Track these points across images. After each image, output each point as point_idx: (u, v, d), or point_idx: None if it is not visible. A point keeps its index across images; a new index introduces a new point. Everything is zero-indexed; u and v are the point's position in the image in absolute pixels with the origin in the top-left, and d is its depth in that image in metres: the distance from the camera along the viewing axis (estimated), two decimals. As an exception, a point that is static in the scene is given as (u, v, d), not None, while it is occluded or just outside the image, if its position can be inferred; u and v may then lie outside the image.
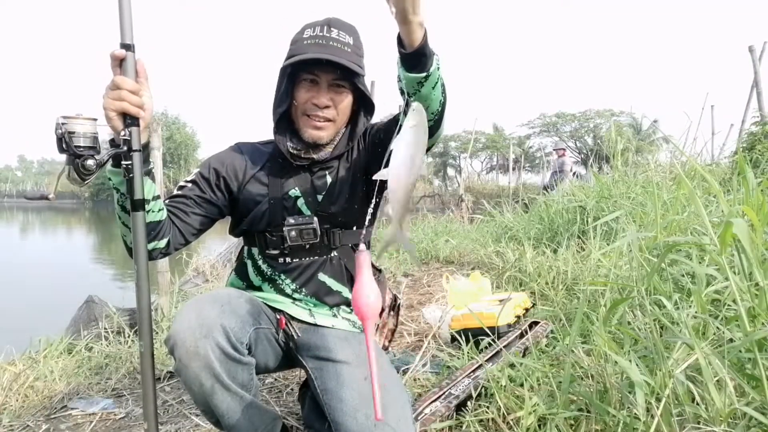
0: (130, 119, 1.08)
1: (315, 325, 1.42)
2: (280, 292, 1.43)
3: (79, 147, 1.04)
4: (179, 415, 1.91)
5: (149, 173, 1.16)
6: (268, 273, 1.42)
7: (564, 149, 10.06)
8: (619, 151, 4.24)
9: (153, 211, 1.19)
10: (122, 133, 1.07)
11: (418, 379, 1.91)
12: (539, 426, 1.31)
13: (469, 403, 1.54)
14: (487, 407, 1.46)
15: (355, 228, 1.43)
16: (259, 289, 1.46)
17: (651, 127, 20.87)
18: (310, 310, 1.43)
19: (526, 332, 2.05)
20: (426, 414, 1.46)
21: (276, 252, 1.40)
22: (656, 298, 1.45)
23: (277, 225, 1.38)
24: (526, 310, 2.47)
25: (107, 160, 1.09)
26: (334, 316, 1.45)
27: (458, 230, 6.27)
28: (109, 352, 2.67)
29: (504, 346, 1.89)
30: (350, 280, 1.45)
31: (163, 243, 1.26)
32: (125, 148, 1.08)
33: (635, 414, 1.10)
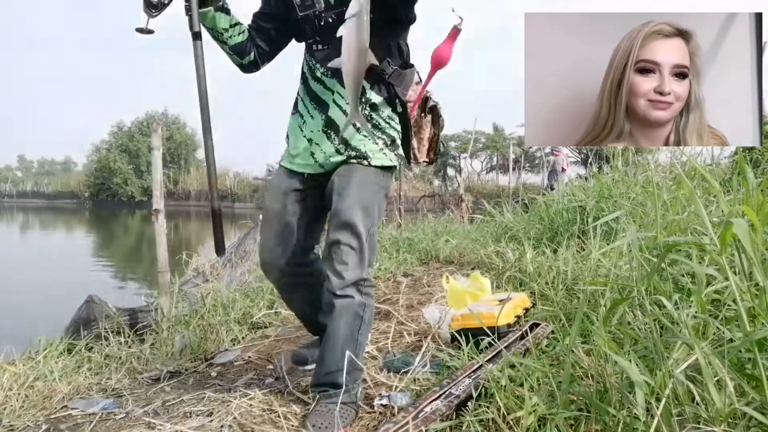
0: None
1: (328, 173, 1.72)
2: (319, 81, 1.70)
3: None
4: (179, 415, 1.91)
5: (222, 8, 1.59)
6: (311, 63, 1.72)
7: (559, 149, 10.00)
8: (620, 151, 4.24)
9: (234, 36, 1.64)
10: None
11: (418, 379, 1.91)
12: (539, 426, 1.30)
13: (469, 403, 1.54)
14: (487, 407, 1.46)
15: None
16: (307, 83, 1.74)
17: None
18: (324, 152, 1.70)
19: (527, 334, 2.05)
20: (426, 412, 1.46)
21: (310, 41, 1.70)
22: (656, 298, 1.45)
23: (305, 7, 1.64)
24: (526, 310, 2.47)
25: None
26: (339, 153, 1.69)
27: (458, 230, 6.26)
28: (109, 352, 2.67)
29: (504, 347, 1.89)
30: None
31: (252, 56, 1.70)
32: None
33: (635, 414, 1.10)
